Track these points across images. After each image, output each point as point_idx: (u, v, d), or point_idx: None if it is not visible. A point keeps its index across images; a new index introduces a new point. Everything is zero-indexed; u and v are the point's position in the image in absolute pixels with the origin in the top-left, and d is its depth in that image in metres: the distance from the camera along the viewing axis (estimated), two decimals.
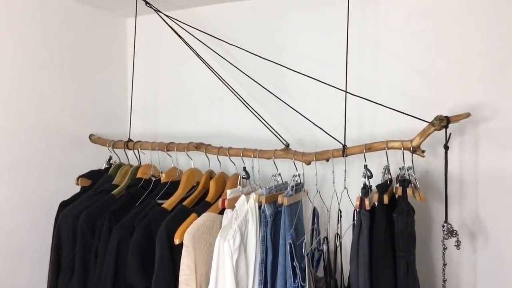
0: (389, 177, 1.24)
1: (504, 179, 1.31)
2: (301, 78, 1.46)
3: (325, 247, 1.19)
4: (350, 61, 1.47)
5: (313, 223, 1.38)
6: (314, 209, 1.38)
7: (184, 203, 1.32)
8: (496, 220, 1.32)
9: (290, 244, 1.14)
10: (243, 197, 1.27)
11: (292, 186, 1.25)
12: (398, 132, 1.35)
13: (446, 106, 1.35)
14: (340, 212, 1.36)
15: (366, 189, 1.15)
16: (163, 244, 1.20)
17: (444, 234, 1.11)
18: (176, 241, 1.19)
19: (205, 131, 1.77)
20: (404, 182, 1.11)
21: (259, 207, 1.27)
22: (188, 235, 1.18)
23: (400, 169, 1.19)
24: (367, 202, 1.10)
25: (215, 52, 1.58)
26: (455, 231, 1.12)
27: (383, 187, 1.14)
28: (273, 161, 1.33)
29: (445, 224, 1.12)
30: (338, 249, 1.32)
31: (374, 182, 1.24)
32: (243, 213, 1.24)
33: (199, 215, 1.26)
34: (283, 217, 1.22)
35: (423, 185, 1.39)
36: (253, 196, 1.26)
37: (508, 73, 1.30)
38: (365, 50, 1.50)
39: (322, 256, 1.27)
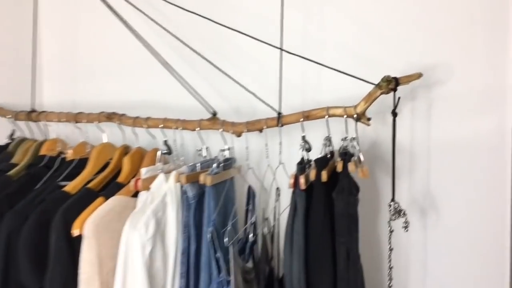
0: (332, 149, 1.06)
1: (457, 149, 1.17)
2: (238, 37, 1.25)
3: (251, 236, 1.01)
4: (292, 16, 1.28)
5: (247, 204, 1.20)
6: (249, 188, 1.20)
7: (90, 185, 1.10)
8: (448, 195, 1.19)
9: (211, 232, 0.95)
10: (161, 176, 1.07)
11: (219, 163, 1.06)
12: (347, 98, 1.18)
13: (398, 67, 1.18)
14: (278, 191, 1.19)
15: (302, 165, 0.97)
16: (60, 235, 0.99)
17: (391, 215, 0.96)
18: (75, 232, 0.98)
19: (132, 101, 1.54)
20: (346, 155, 0.94)
21: (182, 188, 1.07)
22: (90, 224, 0.97)
23: (342, 140, 1.02)
24: (302, 180, 0.92)
25: (139, 10, 1.33)
26: (403, 211, 0.97)
27: (322, 162, 0.96)
28: (198, 132, 1.13)
29: (391, 203, 0.97)
30: (275, 232, 1.16)
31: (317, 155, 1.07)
32: (161, 196, 1.04)
33: (107, 199, 1.04)
34: (207, 199, 1.03)
35: (371, 157, 1.24)
36: (173, 175, 1.06)
37: (465, 31, 1.14)
38: (309, 3, 1.30)
39: (254, 242, 1.10)
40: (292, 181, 0.94)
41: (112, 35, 1.57)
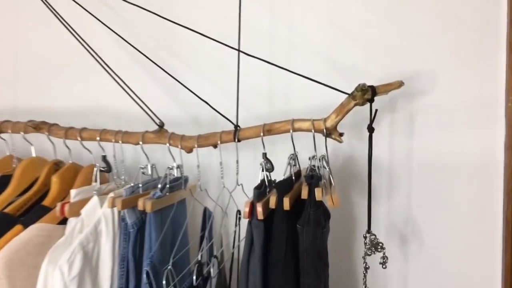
0: (298, 169, 0.90)
1: (442, 167, 1.03)
2: (198, 37, 1.09)
3: (194, 276, 0.84)
4: (257, 16, 1.14)
5: (203, 229, 1.03)
6: (205, 211, 1.04)
7: (8, 209, 0.91)
8: (432, 219, 1.04)
9: (147, 272, 0.78)
10: (94, 199, 0.89)
11: (165, 184, 0.89)
12: (319, 106, 1.05)
13: (376, 75, 1.04)
14: (239, 214, 1.03)
15: (261, 189, 0.80)
16: None
17: (366, 249, 0.80)
18: None
19: (79, 106, 1.36)
20: (313, 178, 0.78)
21: (120, 213, 0.90)
22: (1, 259, 0.79)
23: (310, 159, 0.86)
24: (259, 208, 0.76)
25: (81, 6, 1.15)
26: (380, 244, 0.81)
27: (285, 186, 0.80)
28: (141, 147, 0.95)
29: (367, 235, 0.81)
30: (233, 264, 1.00)
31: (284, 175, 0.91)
32: (93, 223, 0.87)
33: (26, 227, 0.86)
34: (147, 229, 0.86)
35: (346, 176, 1.08)
36: (108, 198, 0.89)
37: (452, 35, 1.01)
38: (276, 2, 1.15)
39: (208, 278, 0.93)
40: (247, 209, 0.77)
41: (56, 35, 1.38)
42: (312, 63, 1.11)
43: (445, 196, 1.03)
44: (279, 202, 0.76)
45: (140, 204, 0.83)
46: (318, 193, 0.74)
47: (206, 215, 1.04)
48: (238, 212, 1.04)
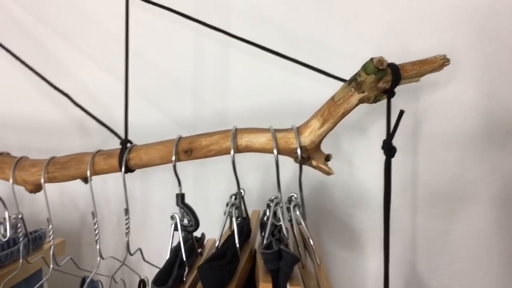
0: (242, 222, 0.48)
1: (461, 198, 0.67)
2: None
3: None
4: None
5: None
6: (83, 283, 0.60)
7: None
8: (446, 278, 0.68)
9: None
10: None
11: None
12: (276, 109, 0.68)
13: (361, 56, 0.66)
14: (143, 287, 0.62)
15: (167, 284, 0.37)
16: None
17: None
18: None
19: None
20: (281, 259, 0.35)
21: None
22: None
23: (269, 205, 0.45)
24: None
25: None
26: None
27: (222, 271, 0.38)
28: None
29: None
30: None
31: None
32: None
33: None
34: None
35: (312, 214, 0.70)
36: None
37: (465, 14, 0.65)
38: None
39: None
40: None
41: None
42: (260, 33, 0.70)
43: (465, 241, 0.67)
44: None
45: None
46: None
47: None
48: (142, 283, 0.62)
